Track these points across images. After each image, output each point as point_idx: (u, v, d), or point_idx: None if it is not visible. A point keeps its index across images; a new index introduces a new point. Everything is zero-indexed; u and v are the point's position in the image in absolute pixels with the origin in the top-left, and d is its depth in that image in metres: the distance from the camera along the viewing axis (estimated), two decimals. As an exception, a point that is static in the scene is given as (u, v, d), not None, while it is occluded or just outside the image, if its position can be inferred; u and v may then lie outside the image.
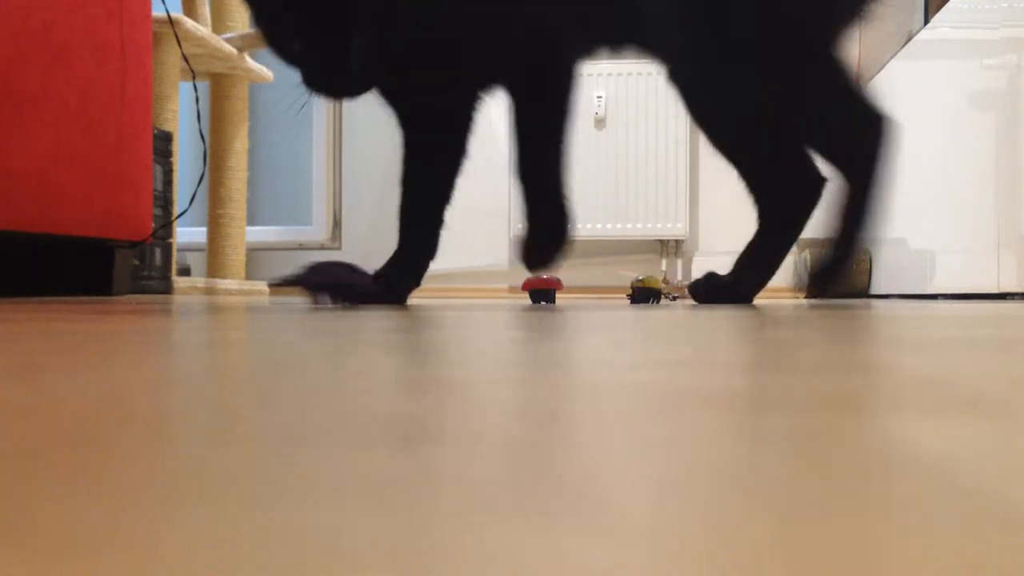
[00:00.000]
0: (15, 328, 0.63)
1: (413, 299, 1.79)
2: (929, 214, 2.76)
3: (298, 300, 1.72)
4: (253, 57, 2.98)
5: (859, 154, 1.45)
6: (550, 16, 1.42)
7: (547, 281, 1.76)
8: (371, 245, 3.70)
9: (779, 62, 1.43)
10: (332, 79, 1.31)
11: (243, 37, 2.83)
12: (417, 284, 1.48)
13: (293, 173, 3.78)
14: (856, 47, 3.47)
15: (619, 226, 3.52)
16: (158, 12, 2.22)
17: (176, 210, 2.49)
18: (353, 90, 1.34)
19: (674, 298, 2.33)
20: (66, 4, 1.68)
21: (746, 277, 1.55)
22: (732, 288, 1.55)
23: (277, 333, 0.58)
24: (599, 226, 3.52)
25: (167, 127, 2.50)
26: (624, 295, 1.84)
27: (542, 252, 1.48)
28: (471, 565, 0.11)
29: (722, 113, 1.50)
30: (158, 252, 2.44)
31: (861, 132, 1.45)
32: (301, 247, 3.77)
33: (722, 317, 0.92)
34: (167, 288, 2.47)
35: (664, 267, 3.55)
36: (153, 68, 2.25)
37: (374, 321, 0.77)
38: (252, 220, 3.43)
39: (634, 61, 3.52)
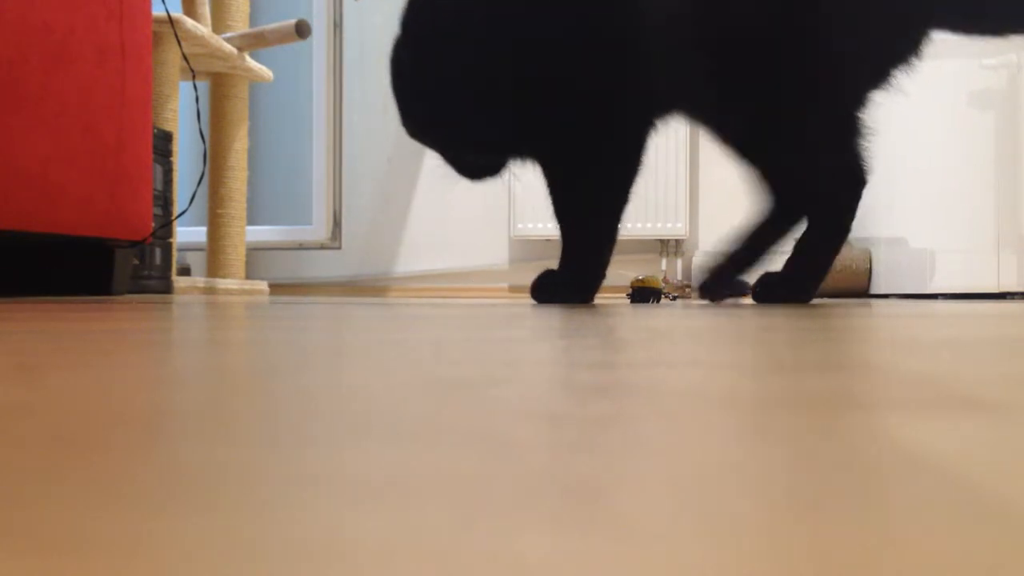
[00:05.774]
0: (15, 328, 0.63)
1: (412, 299, 1.78)
2: (929, 214, 2.76)
3: (296, 299, 1.72)
4: (253, 57, 2.98)
5: (838, 204, 1.54)
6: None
7: None
8: (371, 245, 3.70)
9: (808, 127, 1.51)
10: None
11: (243, 37, 2.83)
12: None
13: (293, 173, 3.78)
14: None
15: (619, 225, 3.51)
16: (158, 12, 2.22)
17: (176, 210, 2.48)
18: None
19: (674, 298, 2.33)
20: (66, 4, 1.68)
21: (802, 276, 1.60)
22: (790, 287, 1.59)
23: (278, 332, 0.58)
24: (599, 226, 3.51)
25: (167, 127, 2.50)
26: (624, 294, 1.84)
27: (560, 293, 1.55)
28: (473, 566, 0.11)
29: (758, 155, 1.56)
30: (158, 252, 2.44)
31: (846, 184, 1.54)
32: (301, 247, 3.77)
33: (721, 317, 0.92)
34: (167, 288, 2.47)
35: (664, 267, 3.55)
36: (153, 68, 2.25)
37: (375, 320, 0.77)
38: (252, 220, 3.42)
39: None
